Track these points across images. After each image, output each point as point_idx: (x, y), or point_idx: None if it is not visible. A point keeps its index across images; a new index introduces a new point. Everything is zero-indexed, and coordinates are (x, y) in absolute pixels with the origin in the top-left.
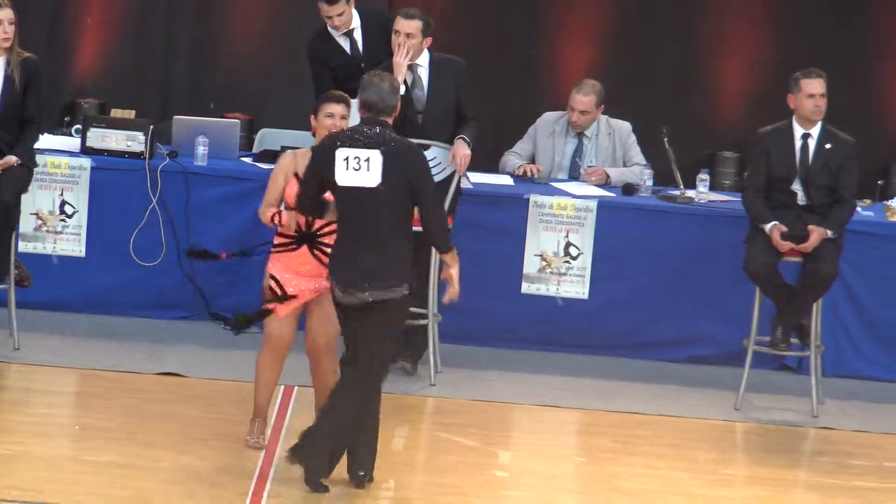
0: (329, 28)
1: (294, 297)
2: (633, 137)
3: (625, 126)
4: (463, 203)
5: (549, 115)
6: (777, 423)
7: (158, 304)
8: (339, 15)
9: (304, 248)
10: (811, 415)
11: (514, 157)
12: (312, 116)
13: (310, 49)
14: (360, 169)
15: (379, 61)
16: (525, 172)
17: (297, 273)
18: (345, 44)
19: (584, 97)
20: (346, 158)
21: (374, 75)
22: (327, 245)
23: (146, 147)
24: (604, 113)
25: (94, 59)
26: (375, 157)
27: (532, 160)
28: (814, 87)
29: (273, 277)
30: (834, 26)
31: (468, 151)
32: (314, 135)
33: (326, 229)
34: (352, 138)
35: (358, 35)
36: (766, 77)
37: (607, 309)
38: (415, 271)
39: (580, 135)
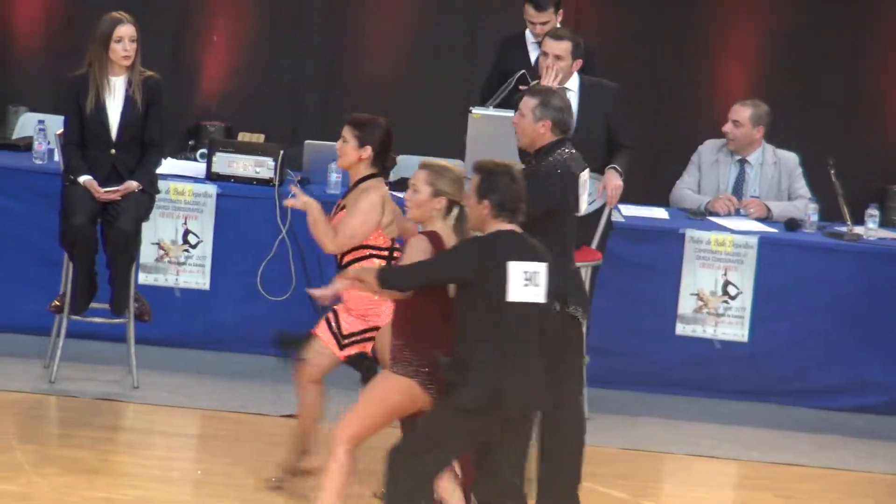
0: (527, 33)
1: None
2: (799, 170)
3: (791, 157)
4: (614, 237)
5: (710, 143)
6: None
7: None
8: (544, 24)
9: None
10: None
11: (690, 193)
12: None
13: (499, 44)
14: None
15: None
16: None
17: None
18: (533, 53)
19: (742, 107)
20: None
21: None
22: None
23: (275, 173)
24: (768, 142)
25: (221, 79)
26: None
27: (699, 189)
28: None
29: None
30: None
31: (620, 182)
32: None
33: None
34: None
35: None
36: None
37: (768, 353)
38: None
39: (742, 161)
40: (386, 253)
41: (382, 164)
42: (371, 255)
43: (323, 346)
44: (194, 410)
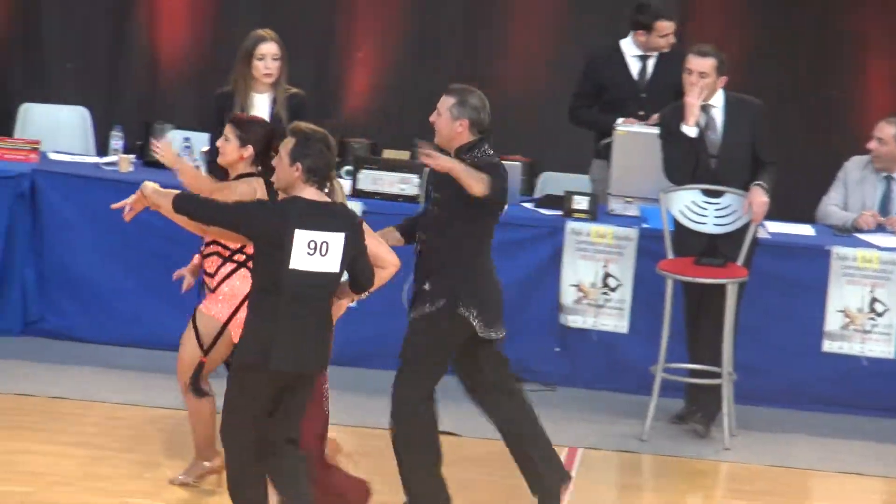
0: (628, 44)
1: None
2: None
3: None
4: (760, 254)
5: (857, 160)
6: None
7: None
8: (672, 33)
9: None
10: None
11: (836, 209)
12: None
13: (590, 59)
14: None
15: (658, 96)
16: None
17: None
18: (634, 67)
19: (887, 124)
20: None
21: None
22: None
23: (421, 190)
24: None
25: (366, 95)
26: None
27: (845, 207)
28: None
29: None
30: None
31: (766, 199)
32: None
33: None
34: None
35: (652, 63)
36: None
37: None
38: None
39: (888, 178)
40: (241, 256)
41: (263, 164)
42: (216, 254)
43: (194, 348)
44: (339, 427)
